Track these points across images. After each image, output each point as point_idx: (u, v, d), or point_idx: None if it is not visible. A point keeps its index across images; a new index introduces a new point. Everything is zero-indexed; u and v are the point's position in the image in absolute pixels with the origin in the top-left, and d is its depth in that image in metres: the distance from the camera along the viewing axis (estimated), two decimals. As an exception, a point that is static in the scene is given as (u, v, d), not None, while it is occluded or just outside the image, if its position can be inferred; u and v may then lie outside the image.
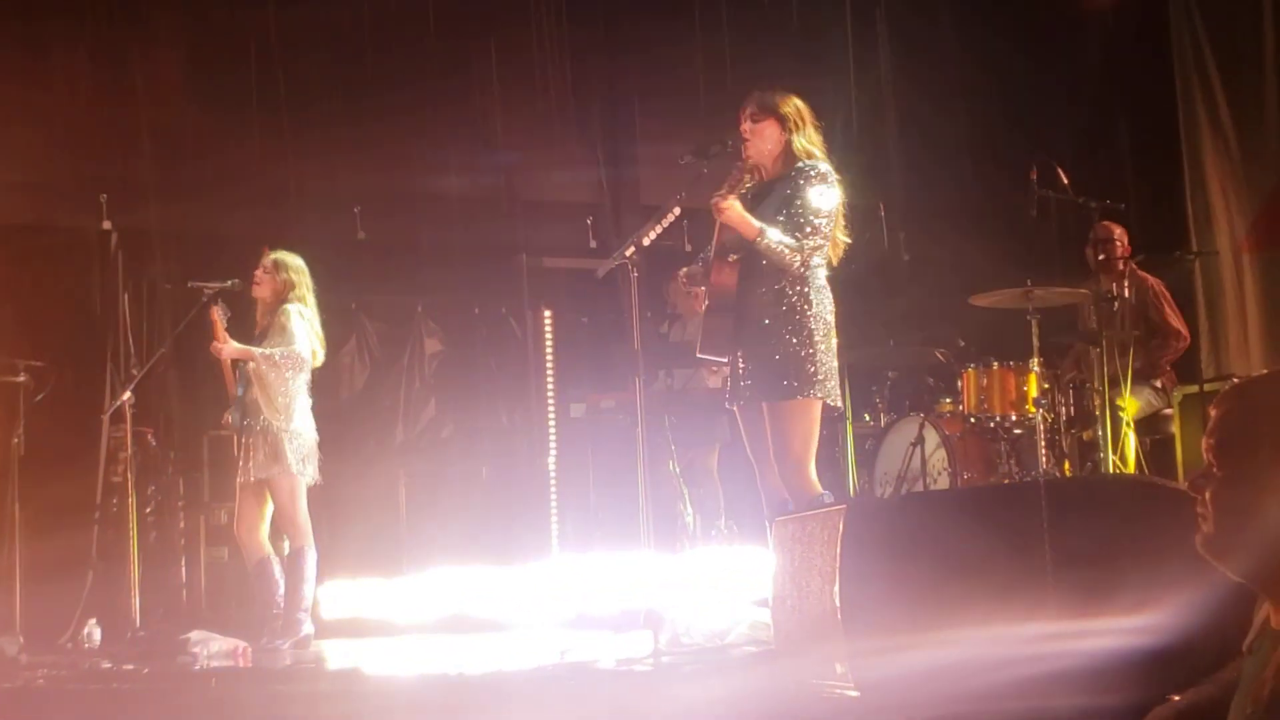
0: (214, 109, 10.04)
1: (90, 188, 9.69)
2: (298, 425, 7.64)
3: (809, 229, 5.89)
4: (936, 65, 10.84)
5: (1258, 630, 2.69)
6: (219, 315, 7.68)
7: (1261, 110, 10.21)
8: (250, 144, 10.05)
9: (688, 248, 10.39)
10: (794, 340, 5.90)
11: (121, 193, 9.74)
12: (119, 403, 8.19)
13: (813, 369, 5.90)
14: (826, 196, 5.93)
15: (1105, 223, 8.57)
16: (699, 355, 6.24)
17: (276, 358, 7.56)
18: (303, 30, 10.24)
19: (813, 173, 5.95)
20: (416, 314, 10.63)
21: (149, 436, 9.13)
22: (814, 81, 10.14)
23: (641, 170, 11.11)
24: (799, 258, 5.88)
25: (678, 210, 6.23)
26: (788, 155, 6.06)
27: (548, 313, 9.95)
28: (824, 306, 5.99)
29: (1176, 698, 3.01)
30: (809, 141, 6.07)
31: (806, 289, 5.95)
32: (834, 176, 6.00)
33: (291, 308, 7.69)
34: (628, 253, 6.20)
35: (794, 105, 6.12)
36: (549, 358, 9.87)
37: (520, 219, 11.06)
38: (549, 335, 9.90)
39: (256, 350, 7.59)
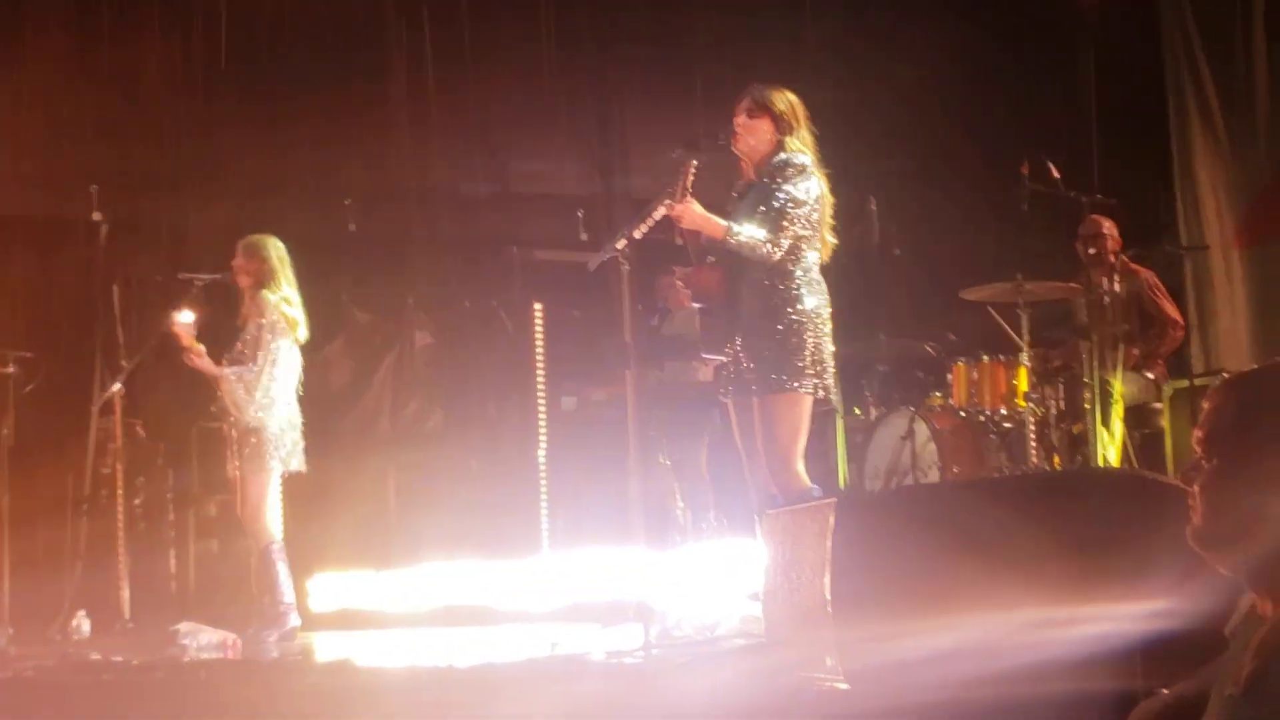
0: (205, 100, 10.04)
1: (80, 178, 9.66)
2: (278, 422, 7.64)
3: (784, 220, 5.89)
4: (926, 60, 10.83)
5: (1242, 616, 2.70)
6: (179, 327, 7.62)
7: (1252, 105, 10.23)
8: (241, 136, 10.04)
9: (679, 241, 10.38)
10: (780, 333, 5.90)
11: (111, 184, 9.71)
12: (108, 394, 8.18)
13: (800, 362, 5.89)
14: (802, 187, 5.93)
15: (1095, 217, 8.58)
16: (704, 356, 6.27)
17: (233, 379, 7.57)
18: (293, 22, 10.23)
19: (789, 165, 5.96)
20: (407, 306, 10.61)
21: (138, 428, 9.12)
22: (804, 75, 10.16)
23: (633, 163, 11.10)
24: (771, 249, 5.88)
25: (669, 203, 6.23)
26: (775, 155, 6.07)
27: (538, 305, 9.93)
28: (814, 300, 5.99)
29: (1165, 691, 3.02)
30: (802, 143, 6.08)
31: (793, 282, 5.95)
32: (812, 169, 6.00)
33: (269, 299, 7.65)
34: (619, 246, 6.20)
35: (789, 103, 6.11)
36: (539, 350, 9.85)
37: (511, 211, 11.05)
38: (539, 328, 9.88)
39: (223, 371, 7.58)
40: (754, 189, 6.06)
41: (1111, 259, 8.60)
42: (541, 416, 9.76)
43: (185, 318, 7.63)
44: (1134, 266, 8.81)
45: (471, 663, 6.40)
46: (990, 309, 8.48)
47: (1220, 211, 10.38)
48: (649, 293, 9.86)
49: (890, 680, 4.16)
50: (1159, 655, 3.69)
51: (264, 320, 7.62)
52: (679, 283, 6.21)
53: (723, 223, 5.82)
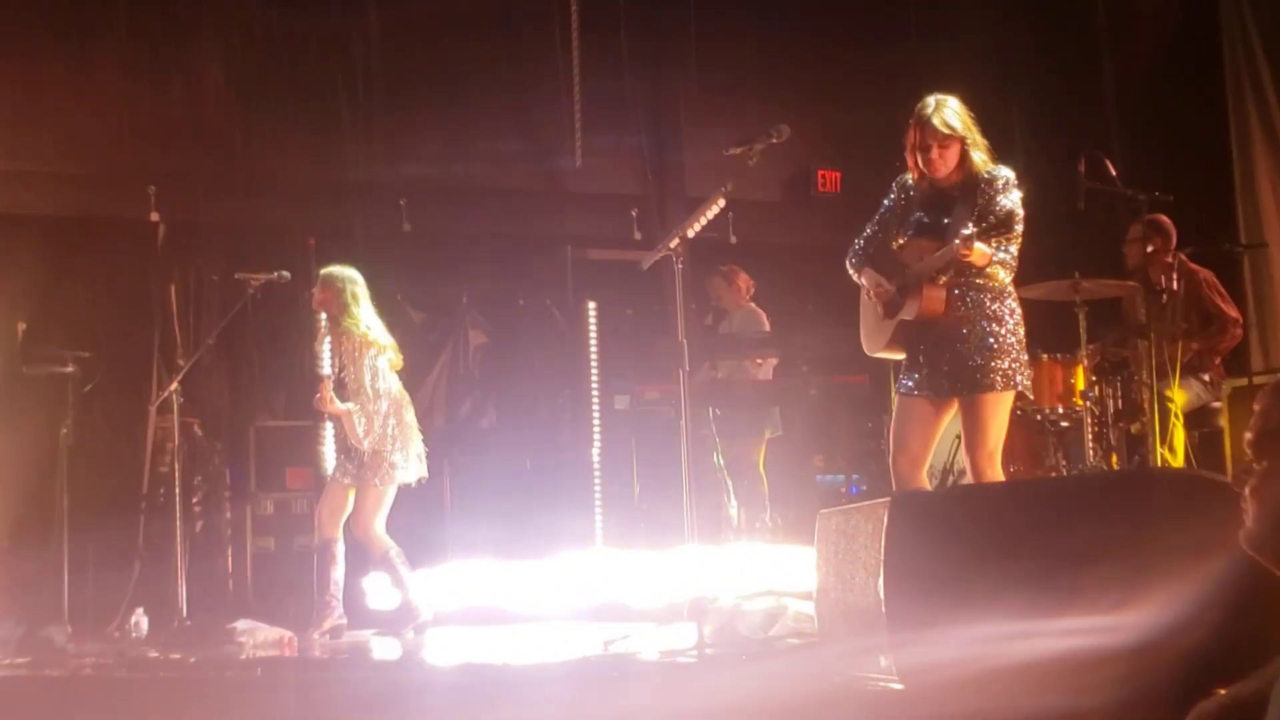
0: (261, 102, 10.09)
1: (138, 180, 9.75)
2: (389, 440, 7.80)
3: (1017, 238, 5.99)
4: (985, 56, 10.79)
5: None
6: (327, 390, 7.79)
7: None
8: (297, 137, 10.10)
9: (732, 239, 10.38)
10: (996, 338, 5.99)
11: (169, 185, 9.80)
12: (166, 394, 8.24)
13: (1015, 363, 6.01)
14: (1018, 201, 6.00)
15: (1153, 215, 8.50)
16: (875, 354, 6.30)
17: (356, 415, 7.72)
18: (348, 25, 10.28)
19: (1003, 182, 6.01)
20: (461, 305, 10.65)
21: (195, 427, 9.19)
22: (861, 72, 10.14)
23: (687, 161, 11.09)
24: (1012, 270, 6.02)
25: (723, 201, 6.23)
26: (965, 164, 6.08)
27: (592, 304, 9.95)
28: (1015, 303, 6.10)
29: (1222, 691, 2.99)
30: (983, 148, 6.10)
31: (1005, 290, 6.04)
32: (1015, 179, 6.04)
33: (355, 334, 7.78)
34: (673, 244, 6.21)
35: (966, 119, 6.13)
36: (593, 349, 9.87)
37: (565, 211, 11.08)
38: (593, 327, 9.91)
39: (347, 409, 7.73)
40: (957, 201, 6.08)
41: (1170, 257, 8.53)
42: (595, 415, 9.78)
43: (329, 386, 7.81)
44: (1192, 265, 8.74)
45: (526, 660, 6.42)
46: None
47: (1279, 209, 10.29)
48: (702, 292, 9.87)
49: (944, 681, 4.14)
50: (1217, 656, 3.66)
51: (360, 359, 7.76)
52: (873, 293, 6.21)
53: (989, 252, 5.88)
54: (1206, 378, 8.54)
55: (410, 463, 7.85)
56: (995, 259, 5.91)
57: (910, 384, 6.15)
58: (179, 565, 8.05)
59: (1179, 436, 8.00)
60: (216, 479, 9.36)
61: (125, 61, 9.88)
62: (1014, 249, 5.98)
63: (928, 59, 10.66)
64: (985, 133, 6.15)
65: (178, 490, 8.17)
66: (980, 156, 6.07)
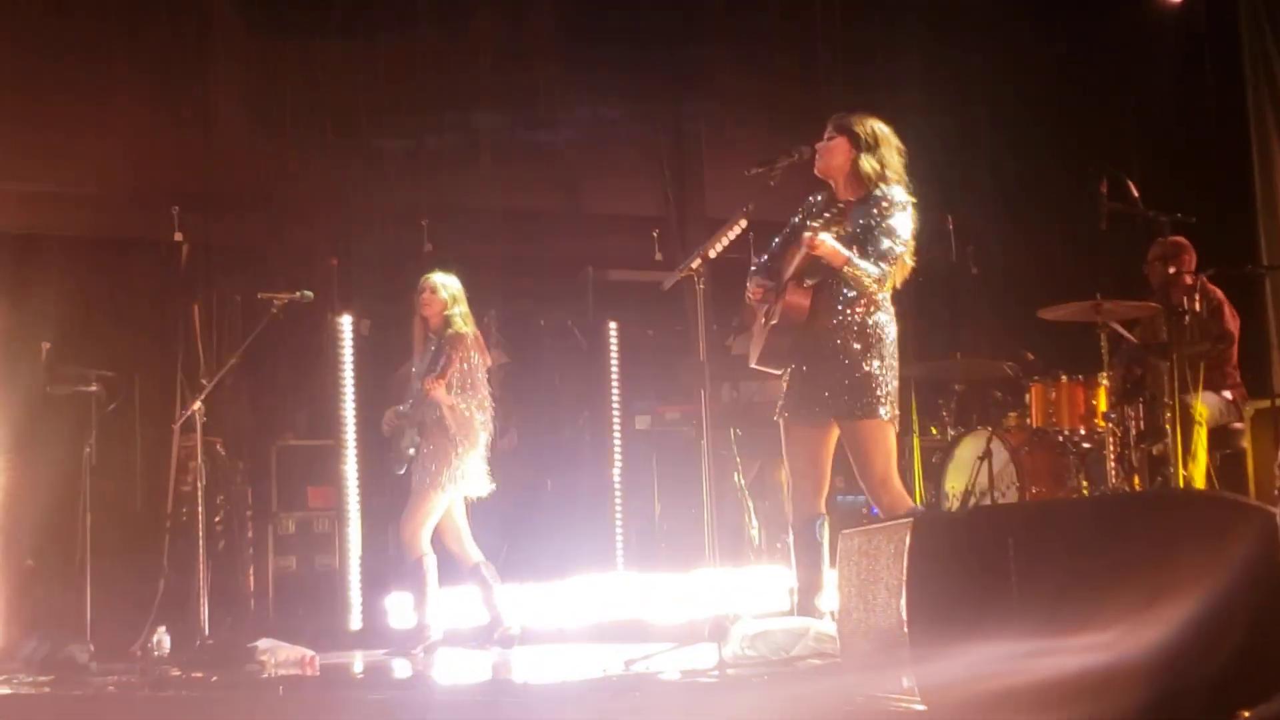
0: (284, 123, 10.13)
1: (162, 200, 9.79)
2: (464, 445, 7.95)
3: (892, 260, 5.95)
4: (1006, 78, 10.80)
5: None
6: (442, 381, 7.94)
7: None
8: (320, 158, 10.13)
9: (754, 261, 10.38)
10: (870, 362, 5.98)
11: (193, 206, 9.84)
12: (189, 413, 8.25)
13: (886, 389, 5.98)
14: (903, 223, 5.98)
15: (1175, 238, 8.50)
16: (754, 365, 6.28)
17: (461, 407, 7.96)
18: (369, 48, 10.32)
19: (890, 200, 6.00)
20: (482, 325, 10.65)
21: (218, 446, 9.21)
22: (881, 96, 10.14)
23: (708, 182, 11.11)
24: (879, 287, 5.96)
25: (744, 222, 6.24)
26: (855, 175, 6.08)
27: (613, 324, 9.96)
28: (892, 328, 6.05)
29: (1246, 714, 2.99)
30: (880, 163, 6.07)
31: (878, 312, 6.00)
32: (909, 203, 6.02)
33: (465, 335, 8.02)
34: (694, 265, 6.22)
35: (869, 127, 6.13)
36: (614, 369, 9.88)
37: (586, 231, 11.09)
38: (614, 347, 9.92)
39: (453, 401, 7.95)
40: (847, 217, 6.06)
41: (1190, 279, 8.52)
42: (616, 435, 9.79)
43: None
44: (1212, 286, 8.73)
45: (546, 680, 6.42)
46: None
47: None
48: (724, 312, 9.87)
49: (967, 702, 4.14)
50: (1241, 677, 3.65)
51: (470, 355, 8.04)
52: (751, 297, 6.22)
53: (845, 252, 5.86)
54: (1229, 395, 8.52)
55: (467, 476, 8.00)
56: (855, 263, 5.86)
57: (787, 411, 6.15)
58: (201, 584, 8.07)
59: (1201, 443, 7.97)
60: (239, 498, 9.38)
61: (148, 84, 9.93)
62: (885, 266, 5.92)
63: (949, 79, 10.69)
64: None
65: (200, 509, 8.19)
66: (871, 166, 6.04)
